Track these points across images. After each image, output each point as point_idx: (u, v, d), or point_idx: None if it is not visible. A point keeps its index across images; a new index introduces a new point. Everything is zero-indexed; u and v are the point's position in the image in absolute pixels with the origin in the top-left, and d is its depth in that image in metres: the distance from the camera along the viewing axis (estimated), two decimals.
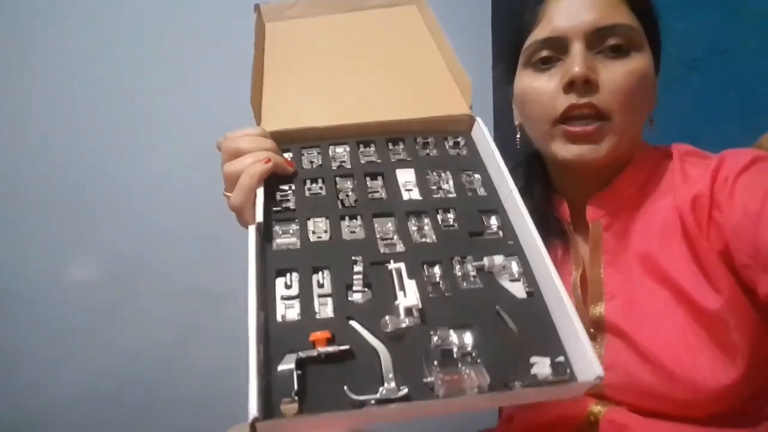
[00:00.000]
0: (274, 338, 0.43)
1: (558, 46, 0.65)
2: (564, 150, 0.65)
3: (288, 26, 0.74)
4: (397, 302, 0.45)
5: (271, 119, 0.60)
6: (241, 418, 0.86)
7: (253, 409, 0.37)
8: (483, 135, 0.61)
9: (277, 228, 0.52)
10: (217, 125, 1.30)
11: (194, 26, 1.33)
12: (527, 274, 0.50)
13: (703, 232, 0.60)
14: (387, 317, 0.44)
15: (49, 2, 1.24)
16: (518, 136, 0.75)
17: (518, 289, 0.49)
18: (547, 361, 0.42)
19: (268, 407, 0.39)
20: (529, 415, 0.71)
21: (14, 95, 1.24)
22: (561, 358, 0.43)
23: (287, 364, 0.40)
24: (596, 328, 0.67)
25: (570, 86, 0.63)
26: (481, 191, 0.58)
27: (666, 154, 0.70)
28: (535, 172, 0.76)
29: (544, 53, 0.66)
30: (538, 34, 0.66)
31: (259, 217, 0.50)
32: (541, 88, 0.66)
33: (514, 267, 0.50)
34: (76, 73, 1.28)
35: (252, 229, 0.49)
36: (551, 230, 0.73)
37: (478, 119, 0.63)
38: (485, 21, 1.48)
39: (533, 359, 0.43)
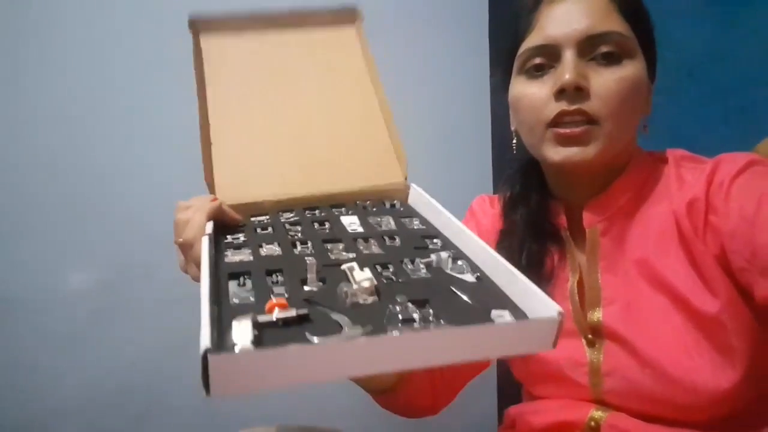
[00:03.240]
0: (228, 312, 0.40)
1: (550, 54, 0.66)
2: (554, 152, 0.66)
3: (224, 44, 0.72)
4: (354, 286, 0.44)
5: (223, 192, 0.63)
6: (243, 425, 0.87)
7: (205, 340, 0.33)
8: (420, 197, 0.64)
9: (228, 252, 0.52)
10: None
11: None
12: (473, 267, 0.51)
13: (700, 236, 0.61)
14: (344, 285, 0.43)
15: (50, 4, 1.24)
16: (514, 141, 0.76)
17: (467, 277, 0.49)
18: (506, 312, 0.42)
19: (222, 341, 0.35)
20: (530, 421, 0.71)
21: (14, 101, 1.24)
22: (521, 312, 0.43)
23: (243, 320, 0.37)
24: (594, 334, 0.67)
25: (561, 93, 0.64)
26: (421, 227, 0.60)
27: (661, 159, 0.71)
28: (531, 179, 0.77)
29: (537, 60, 0.67)
30: (531, 41, 0.67)
31: (209, 229, 0.52)
32: (533, 95, 0.67)
33: (461, 263, 0.51)
34: (79, 79, 1.28)
35: (204, 240, 0.50)
36: (547, 236, 0.73)
37: (413, 186, 0.66)
38: (483, 27, 1.49)
39: (494, 313, 0.42)
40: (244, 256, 0.51)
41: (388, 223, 0.60)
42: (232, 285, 0.45)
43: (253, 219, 0.62)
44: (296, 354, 0.33)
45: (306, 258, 0.48)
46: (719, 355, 0.58)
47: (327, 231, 0.58)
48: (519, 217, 0.75)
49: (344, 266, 0.47)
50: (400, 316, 0.41)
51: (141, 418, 1.28)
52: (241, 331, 0.36)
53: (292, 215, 0.63)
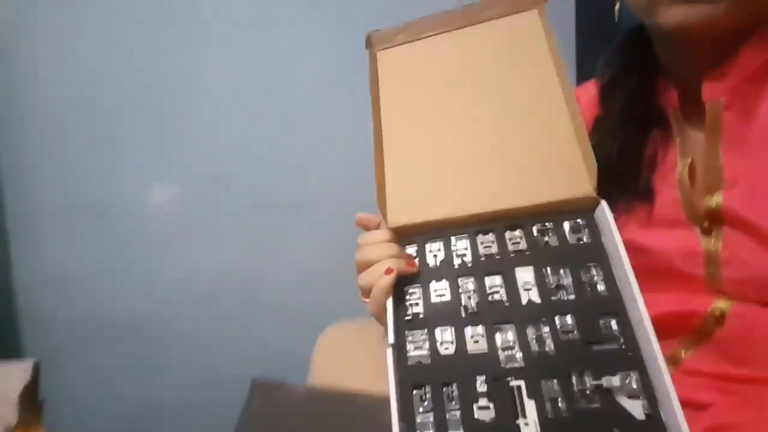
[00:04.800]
0: None
1: None
2: (670, 14, 0.56)
3: (399, 55, 0.70)
4: (517, 422, 0.48)
5: (395, 214, 0.64)
6: (332, 321, 0.90)
7: None
8: (606, 219, 0.57)
9: (409, 342, 0.57)
10: (295, 41, 1.30)
11: None
12: (646, 389, 0.48)
13: None
14: None
15: None
16: (617, 6, 0.66)
17: (637, 409, 0.47)
18: None
19: None
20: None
21: (106, 21, 1.30)
22: None
23: None
24: (711, 220, 0.61)
25: None
26: (601, 287, 0.55)
27: None
28: (635, 55, 0.67)
29: None
30: None
31: (391, 338, 0.56)
32: None
33: (633, 383, 0.49)
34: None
35: (389, 351, 0.55)
36: (649, 119, 0.66)
37: (603, 202, 0.57)
38: None
39: None
40: (423, 353, 0.56)
41: (567, 277, 0.57)
42: (416, 399, 0.53)
43: (426, 245, 0.63)
44: None
45: (477, 377, 0.52)
46: None
47: (499, 293, 0.58)
48: (617, 100, 0.68)
49: (513, 383, 0.51)
50: None
51: (235, 313, 1.39)
52: None
53: (464, 245, 0.62)
